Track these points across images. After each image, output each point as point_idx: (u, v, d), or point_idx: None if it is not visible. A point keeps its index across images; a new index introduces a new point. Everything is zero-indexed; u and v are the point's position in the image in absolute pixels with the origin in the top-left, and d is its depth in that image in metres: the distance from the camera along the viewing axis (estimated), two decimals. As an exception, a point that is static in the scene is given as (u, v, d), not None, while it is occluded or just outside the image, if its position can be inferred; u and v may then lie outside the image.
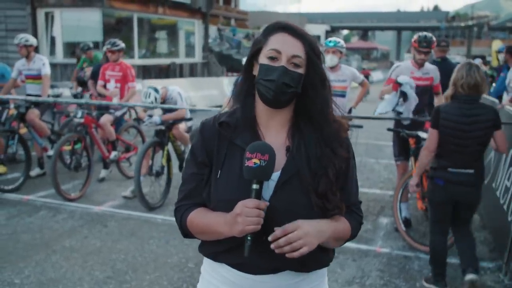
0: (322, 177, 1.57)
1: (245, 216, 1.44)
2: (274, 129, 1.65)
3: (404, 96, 5.32)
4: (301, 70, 1.58)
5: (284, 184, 1.56)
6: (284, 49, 1.57)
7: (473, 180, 3.89)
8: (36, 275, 4.18)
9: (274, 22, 1.66)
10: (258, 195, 1.49)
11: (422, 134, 4.79)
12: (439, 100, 5.55)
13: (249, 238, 1.47)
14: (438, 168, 3.97)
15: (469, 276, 3.88)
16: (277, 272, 1.58)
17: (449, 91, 3.94)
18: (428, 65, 5.60)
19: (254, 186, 1.48)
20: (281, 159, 1.58)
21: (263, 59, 1.60)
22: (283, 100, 1.59)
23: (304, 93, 1.62)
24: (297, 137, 1.63)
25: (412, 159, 5.29)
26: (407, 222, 5.28)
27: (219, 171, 1.61)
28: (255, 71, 1.63)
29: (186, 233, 1.68)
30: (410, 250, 4.86)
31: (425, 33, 5.56)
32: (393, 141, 5.78)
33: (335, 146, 1.62)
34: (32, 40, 7.29)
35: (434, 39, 5.50)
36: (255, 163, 1.47)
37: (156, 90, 6.18)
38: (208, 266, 1.71)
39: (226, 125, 1.64)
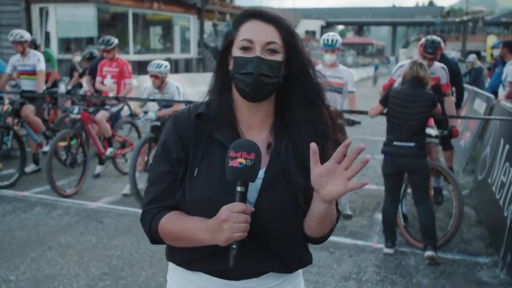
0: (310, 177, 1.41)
1: (232, 222, 1.30)
2: (255, 125, 1.52)
3: None
4: (279, 57, 1.45)
5: (269, 185, 1.44)
6: (256, 37, 1.44)
7: (415, 152, 4.49)
8: (32, 271, 4.16)
9: (243, 10, 1.54)
10: (244, 198, 1.35)
11: (429, 131, 4.79)
12: (448, 103, 5.40)
13: (234, 246, 1.33)
14: (387, 144, 4.63)
15: (429, 253, 4.43)
16: (260, 276, 1.49)
17: (400, 80, 4.76)
18: (434, 64, 5.38)
19: (239, 189, 1.34)
20: (263, 157, 1.42)
21: (236, 51, 1.47)
22: (264, 93, 1.46)
23: (287, 82, 1.49)
24: (282, 132, 1.50)
25: None
26: (405, 218, 5.29)
27: (196, 169, 1.46)
28: (231, 66, 1.49)
29: (156, 240, 1.53)
30: (406, 245, 4.87)
31: (434, 37, 5.42)
32: None
33: (325, 141, 1.48)
34: (27, 36, 7.24)
35: (442, 44, 5.34)
36: (240, 163, 1.33)
37: (166, 66, 6.28)
38: (176, 275, 1.58)
39: (206, 117, 1.50)
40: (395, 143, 4.53)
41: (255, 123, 1.53)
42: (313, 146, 1.30)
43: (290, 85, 1.50)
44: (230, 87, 1.52)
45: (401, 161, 4.54)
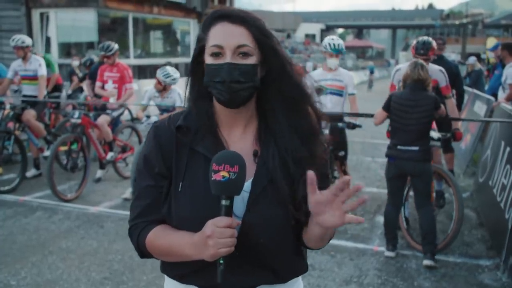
0: (299, 184, 1.38)
1: (217, 238, 1.24)
2: (238, 132, 1.46)
3: None
4: (252, 60, 1.37)
5: (257, 197, 1.38)
6: (225, 41, 1.35)
7: (418, 155, 4.45)
8: (33, 276, 4.16)
9: (210, 12, 1.42)
10: (229, 212, 1.29)
11: (432, 134, 4.78)
12: (450, 105, 5.33)
13: (221, 261, 1.28)
14: (390, 148, 4.60)
15: (427, 262, 4.42)
16: None
17: (401, 84, 4.68)
18: (431, 67, 5.32)
19: (224, 203, 1.28)
20: (249, 166, 1.36)
21: (207, 58, 1.39)
22: (240, 99, 1.38)
23: (266, 83, 1.42)
24: (267, 138, 1.43)
25: None
26: (406, 221, 5.28)
27: (181, 183, 1.41)
28: (205, 73, 1.42)
29: (144, 254, 1.48)
30: (407, 248, 4.86)
31: (425, 38, 5.43)
32: None
33: (313, 145, 1.43)
34: (28, 41, 7.26)
35: (434, 44, 5.34)
36: (223, 177, 1.27)
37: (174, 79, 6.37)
38: (172, 286, 1.53)
39: (185, 129, 1.43)
40: (399, 147, 4.50)
41: (237, 129, 1.46)
42: (311, 174, 1.25)
43: (270, 87, 1.43)
44: (209, 94, 1.44)
45: (404, 164, 4.51)
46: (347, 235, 5.20)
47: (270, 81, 1.42)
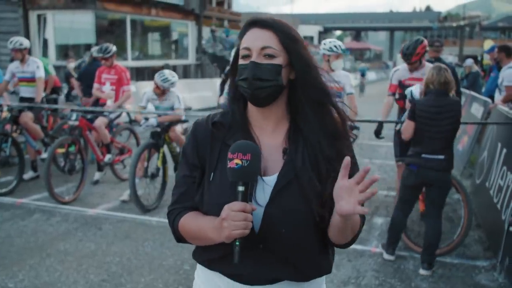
0: (327, 182, 1.47)
1: (230, 220, 1.35)
2: (269, 129, 1.56)
3: None
4: (277, 61, 1.49)
5: (281, 190, 1.47)
6: (252, 44, 1.50)
7: (443, 165, 4.30)
8: (31, 279, 4.16)
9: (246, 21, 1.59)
10: (245, 198, 1.39)
11: None
12: None
13: (237, 243, 1.37)
14: (413, 156, 4.41)
15: (423, 272, 4.38)
16: (275, 283, 1.50)
17: (423, 89, 4.50)
18: (428, 66, 5.41)
19: (240, 188, 1.39)
20: (278, 161, 1.50)
21: (239, 60, 1.54)
22: (264, 97, 1.50)
23: (295, 86, 1.53)
24: (296, 137, 1.53)
25: None
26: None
27: (212, 174, 1.53)
28: None
29: (180, 238, 1.60)
30: (405, 250, 4.87)
31: (408, 43, 5.51)
32: (394, 141, 5.78)
33: (340, 146, 1.53)
34: (26, 43, 7.27)
35: (416, 50, 5.36)
36: (237, 164, 1.38)
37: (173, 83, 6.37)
38: (202, 273, 1.63)
39: (220, 125, 1.57)
40: (423, 155, 4.31)
41: (268, 127, 1.57)
42: (347, 160, 1.37)
43: (298, 89, 1.54)
44: (242, 96, 1.58)
45: (427, 173, 4.32)
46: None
47: (298, 83, 1.53)
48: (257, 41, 1.49)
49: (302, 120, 1.54)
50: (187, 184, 1.59)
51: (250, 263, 1.43)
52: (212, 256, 1.54)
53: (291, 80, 1.53)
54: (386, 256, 4.65)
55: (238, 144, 1.42)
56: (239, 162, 1.38)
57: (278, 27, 1.51)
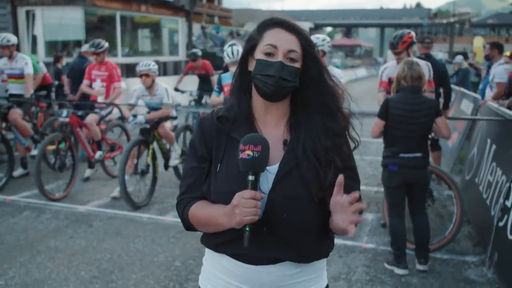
0: (326, 171, 1.59)
1: (242, 207, 1.46)
2: (272, 123, 1.68)
3: None
4: (297, 64, 1.61)
5: (283, 177, 1.58)
6: (280, 44, 1.59)
7: (422, 162, 4.27)
8: (21, 276, 4.14)
9: (268, 17, 1.68)
10: (254, 186, 1.50)
11: None
12: None
13: (247, 228, 1.49)
14: (390, 156, 4.32)
15: (421, 267, 4.37)
16: (277, 263, 1.61)
17: (394, 85, 4.37)
18: (418, 61, 5.52)
19: (250, 178, 1.50)
20: (279, 152, 1.62)
21: (259, 54, 1.62)
22: (282, 94, 1.62)
23: (303, 86, 1.64)
24: (297, 130, 1.65)
25: None
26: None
27: (219, 165, 1.64)
28: (251, 67, 1.65)
29: (189, 226, 1.71)
30: (395, 245, 4.90)
31: (394, 34, 5.57)
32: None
33: (339, 140, 1.66)
34: (14, 39, 7.21)
35: (402, 39, 5.38)
36: (248, 155, 1.49)
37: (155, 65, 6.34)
38: (209, 257, 1.74)
39: (224, 119, 1.66)
40: (401, 155, 4.24)
41: (271, 121, 1.68)
42: (340, 178, 1.49)
43: (306, 89, 1.65)
44: (249, 88, 1.69)
45: (408, 173, 4.24)
46: (336, 233, 5.22)
47: (306, 84, 1.65)
48: (285, 42, 1.59)
49: (305, 116, 1.66)
50: (195, 175, 1.68)
51: (255, 245, 1.54)
52: (219, 240, 1.64)
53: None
54: (401, 271, 4.31)
55: (249, 136, 1.53)
56: (251, 153, 1.49)
57: (301, 33, 1.63)
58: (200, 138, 1.69)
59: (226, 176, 1.61)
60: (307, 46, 1.63)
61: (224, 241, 1.63)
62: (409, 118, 4.18)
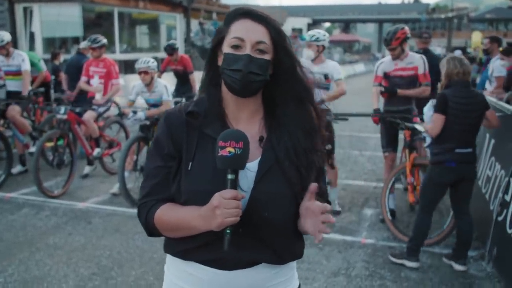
0: (308, 169, 1.53)
1: (223, 208, 1.35)
2: (244, 119, 1.58)
3: None
4: (267, 56, 1.51)
5: (264, 175, 1.50)
6: (247, 36, 1.49)
7: (473, 157, 4.26)
8: (20, 273, 4.14)
9: (234, 8, 1.58)
10: (234, 185, 1.41)
11: (419, 127, 4.78)
12: (425, 93, 5.38)
13: (228, 231, 1.39)
14: (444, 152, 4.21)
15: (460, 267, 4.28)
16: (253, 266, 1.52)
17: (443, 82, 4.25)
18: (412, 55, 5.50)
19: (230, 176, 1.40)
20: (255, 149, 1.51)
21: (226, 48, 1.52)
22: (252, 89, 1.52)
23: (275, 79, 1.55)
24: (273, 127, 1.56)
25: (406, 151, 5.30)
26: (392, 213, 5.32)
27: (190, 163, 1.52)
28: (220, 61, 1.55)
29: (152, 232, 1.58)
30: (394, 240, 4.91)
31: (388, 30, 5.55)
32: (380, 132, 5.76)
33: (314, 136, 1.57)
34: (7, 37, 7.17)
35: (396, 35, 5.36)
36: (229, 152, 1.39)
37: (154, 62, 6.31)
38: (172, 266, 1.62)
39: (195, 114, 1.56)
40: (457, 150, 4.15)
41: (243, 117, 1.58)
42: (313, 186, 1.44)
43: (279, 83, 1.56)
44: (219, 82, 1.58)
45: (464, 168, 4.19)
46: (335, 228, 5.23)
47: (279, 78, 1.55)
48: (252, 34, 1.50)
49: (280, 111, 1.57)
50: (160, 175, 1.56)
51: (233, 248, 1.42)
52: (189, 246, 1.53)
53: (270, 74, 1.55)
54: (415, 264, 4.33)
55: (229, 132, 1.43)
56: (232, 150, 1.39)
57: (270, 23, 1.52)
58: (166, 135, 1.56)
59: (199, 174, 1.50)
60: (277, 37, 1.52)
61: (196, 247, 1.51)
62: (465, 112, 4.15)
